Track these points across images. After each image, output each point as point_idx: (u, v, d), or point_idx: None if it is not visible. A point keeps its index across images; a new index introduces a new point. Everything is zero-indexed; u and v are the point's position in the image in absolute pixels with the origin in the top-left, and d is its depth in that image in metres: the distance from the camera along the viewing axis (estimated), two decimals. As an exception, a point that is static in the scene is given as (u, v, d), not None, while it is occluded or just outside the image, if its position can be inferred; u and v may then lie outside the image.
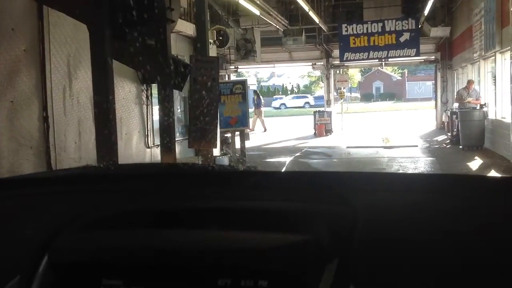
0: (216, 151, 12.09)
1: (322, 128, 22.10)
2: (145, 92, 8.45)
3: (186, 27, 9.91)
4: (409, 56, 21.29)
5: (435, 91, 24.57)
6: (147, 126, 8.58)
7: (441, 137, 19.19)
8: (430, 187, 1.15)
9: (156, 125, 10.67)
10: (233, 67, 24.17)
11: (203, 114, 6.53)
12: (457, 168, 11.78)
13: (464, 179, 1.32)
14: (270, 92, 71.33)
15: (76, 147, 6.67)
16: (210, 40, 11.08)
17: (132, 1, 4.74)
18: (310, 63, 25.05)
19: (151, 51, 5.37)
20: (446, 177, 1.52)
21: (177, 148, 10.02)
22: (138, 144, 8.68)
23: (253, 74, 76.64)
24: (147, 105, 8.46)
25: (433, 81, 51.60)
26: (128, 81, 8.20)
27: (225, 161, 12.07)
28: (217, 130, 6.90)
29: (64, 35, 6.32)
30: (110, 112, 4.40)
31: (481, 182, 1.25)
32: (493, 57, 14.28)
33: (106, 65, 4.38)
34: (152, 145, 9.35)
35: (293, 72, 77.01)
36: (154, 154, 9.38)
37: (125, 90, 8.18)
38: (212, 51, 11.48)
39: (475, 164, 12.44)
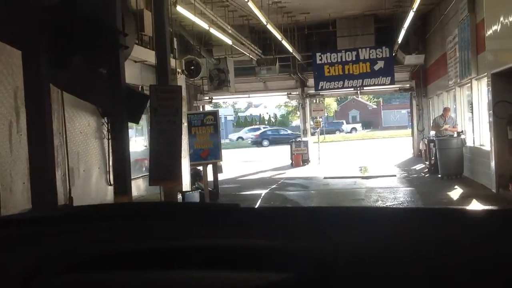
0: (187, 186, 11.51)
1: (299, 158, 21.72)
2: (106, 125, 7.89)
3: (151, 56, 9.42)
4: (384, 84, 21.13)
5: (411, 119, 24.42)
6: (109, 162, 7.99)
7: (419, 166, 18.89)
8: (411, 221, 1.17)
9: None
10: (207, 97, 23.78)
11: (165, 148, 6.00)
12: (437, 198, 11.38)
13: (447, 212, 1.33)
14: (247, 123, 71.21)
15: (24, 188, 6.07)
16: (178, 70, 10.61)
17: (76, 24, 4.25)
18: (285, 93, 24.77)
19: (103, 80, 4.87)
20: (425, 211, 1.49)
21: (143, 185, 9.45)
22: (99, 181, 8.08)
23: (230, 104, 76.78)
24: (108, 139, 7.88)
25: (408, 109, 52.27)
26: (86, 114, 7.65)
27: (196, 196, 11.48)
28: (180, 165, 6.36)
29: (10, 65, 5.77)
30: (46, 147, 3.85)
31: (463, 214, 1.28)
32: (469, 84, 14.08)
33: (42, 96, 3.84)
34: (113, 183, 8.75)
35: (270, 102, 77.24)
36: (117, 191, 8.78)
37: (82, 124, 7.61)
38: (181, 81, 11.00)
39: (455, 193, 12.06)
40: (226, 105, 76.06)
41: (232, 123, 71.63)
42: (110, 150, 8.22)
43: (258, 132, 48.50)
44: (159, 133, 5.96)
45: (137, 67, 9.20)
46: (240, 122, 72.56)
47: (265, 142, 44.07)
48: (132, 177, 10.01)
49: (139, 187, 9.36)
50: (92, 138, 7.91)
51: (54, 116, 6.81)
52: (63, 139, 7.03)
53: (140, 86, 8.96)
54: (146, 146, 10.64)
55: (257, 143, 44.39)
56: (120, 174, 5.05)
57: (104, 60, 4.82)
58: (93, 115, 7.85)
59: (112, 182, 8.48)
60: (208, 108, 24.59)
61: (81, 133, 7.46)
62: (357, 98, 62.59)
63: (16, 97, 5.86)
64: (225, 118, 68.82)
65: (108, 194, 8.19)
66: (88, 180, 7.86)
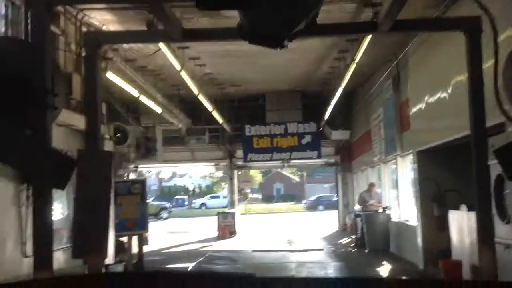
0: (110, 259, 10.80)
1: (226, 230, 21.31)
2: (26, 192, 7.29)
3: (80, 121, 9.00)
4: (311, 158, 21.45)
5: (336, 193, 24.77)
6: (25, 232, 7.33)
7: (345, 240, 18.97)
8: None
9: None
10: (132, 166, 23.12)
11: (91, 219, 5.55)
12: (367, 275, 11.29)
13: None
14: (171, 192, 70.04)
15: None
16: (106, 136, 10.20)
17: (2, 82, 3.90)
18: (213, 163, 24.58)
19: (27, 142, 4.46)
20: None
21: (62, 257, 8.72)
22: (13, 252, 7.35)
23: (154, 174, 75.45)
24: (27, 207, 7.26)
25: (331, 184, 53.38)
26: (3, 178, 7.04)
27: (119, 269, 10.79)
28: (107, 236, 5.90)
29: None
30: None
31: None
32: (394, 161, 14.49)
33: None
34: (31, 254, 8.00)
35: (196, 173, 76.62)
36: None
37: (-1, 188, 6.97)
38: (109, 148, 10.55)
39: (384, 269, 12.06)
40: (150, 174, 74.81)
41: (156, 193, 70.16)
42: (28, 219, 7.58)
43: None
44: (86, 203, 5.52)
45: (61, 131, 8.71)
46: (164, 192, 71.22)
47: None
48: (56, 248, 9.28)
49: (58, 259, 8.62)
50: (7, 205, 7.25)
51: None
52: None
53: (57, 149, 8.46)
54: (63, 214, 9.97)
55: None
56: (41, 246, 4.56)
57: (31, 121, 4.44)
58: (11, 180, 7.23)
59: (28, 254, 7.77)
60: (132, 177, 23.87)
61: (-4, 199, 6.81)
62: (281, 171, 63.66)
63: None
64: (149, 187, 67.46)
65: (23, 267, 7.44)
66: (1, 251, 7.13)
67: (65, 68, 8.73)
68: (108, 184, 5.74)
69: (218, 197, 57.50)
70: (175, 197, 63.42)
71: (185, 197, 62.31)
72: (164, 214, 40.39)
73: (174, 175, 79.31)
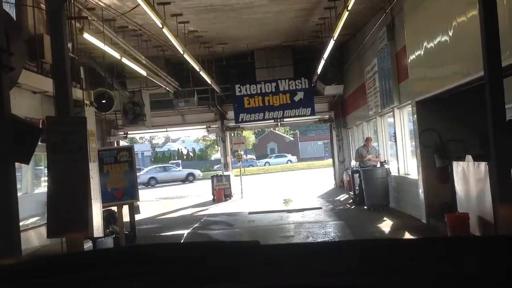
0: (99, 232, 10.31)
1: (221, 193, 20.87)
2: None
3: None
4: (305, 115, 20.92)
5: (331, 150, 24.34)
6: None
7: (342, 197, 18.60)
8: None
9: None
10: (122, 132, 22.51)
11: (67, 192, 4.99)
12: (368, 232, 10.89)
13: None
14: (165, 158, 69.65)
15: None
16: (86, 102, 9.56)
17: None
18: (204, 126, 23.98)
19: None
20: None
21: (38, 234, 8.19)
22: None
23: (147, 139, 74.88)
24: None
25: (325, 141, 53.08)
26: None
27: (109, 242, 10.30)
28: (87, 211, 5.34)
29: None
30: None
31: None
32: (391, 113, 13.95)
33: None
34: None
35: (188, 137, 76.17)
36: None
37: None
38: (90, 115, 9.90)
39: (385, 225, 11.66)
40: (143, 140, 74.18)
41: (150, 158, 69.69)
42: None
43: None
44: (59, 174, 4.95)
45: (36, 99, 8.07)
46: (158, 158, 70.82)
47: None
48: (35, 225, 8.73)
49: (41, 236, 8.10)
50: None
51: None
52: None
53: (40, 120, 7.83)
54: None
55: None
56: (4, 228, 4.01)
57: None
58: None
59: None
60: (123, 144, 23.30)
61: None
62: (274, 131, 63.19)
63: None
64: (142, 154, 66.88)
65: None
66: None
67: (35, 29, 8.00)
68: (83, 153, 5.15)
69: (285, 156, 60.50)
70: (169, 162, 63.08)
71: (179, 161, 61.90)
72: (190, 178, 40.44)
73: (167, 140, 78.83)
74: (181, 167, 48.49)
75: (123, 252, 1.62)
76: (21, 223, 8.44)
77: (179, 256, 1.29)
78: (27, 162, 4.86)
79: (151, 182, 39.15)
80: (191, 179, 39.98)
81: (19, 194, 9.26)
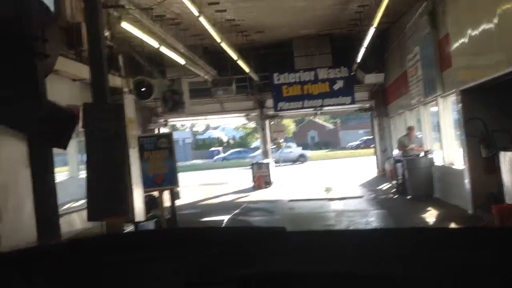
0: (141, 216, 10.47)
1: (261, 180, 20.91)
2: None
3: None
4: (344, 104, 20.65)
5: (373, 139, 23.96)
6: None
7: (385, 186, 18.29)
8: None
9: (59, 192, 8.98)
10: (162, 120, 22.73)
11: (106, 178, 5.03)
12: (412, 222, 10.65)
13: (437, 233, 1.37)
14: (206, 145, 70.28)
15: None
16: (125, 89, 9.64)
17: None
18: (244, 114, 23.96)
19: (18, 96, 3.88)
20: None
21: (81, 218, 8.31)
22: (32, 218, 6.95)
23: (188, 127, 75.67)
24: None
25: (366, 130, 52.34)
26: (13, 139, 6.54)
27: (151, 226, 10.46)
28: (126, 196, 5.38)
29: None
30: None
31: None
32: (434, 102, 13.59)
33: None
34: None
35: (228, 124, 76.55)
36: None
37: (12, 150, 6.47)
38: (129, 102, 9.99)
39: (430, 216, 11.37)
40: (184, 127, 74.98)
41: (191, 145, 70.42)
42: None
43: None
44: (97, 160, 4.98)
45: (76, 86, 8.18)
46: (199, 145, 71.48)
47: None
48: (79, 208, 8.85)
49: (84, 219, 8.23)
50: (21, 167, 6.79)
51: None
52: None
53: (80, 107, 7.92)
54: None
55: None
56: (43, 212, 4.05)
57: (19, 72, 3.84)
58: (22, 140, 6.74)
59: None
60: (164, 131, 23.54)
61: (7, 159, 6.33)
62: (314, 119, 62.78)
63: None
64: (183, 141, 67.60)
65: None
66: (19, 217, 6.73)
67: (73, 18, 8.09)
68: (120, 140, 5.17)
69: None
70: (210, 149, 63.53)
71: (220, 148, 62.27)
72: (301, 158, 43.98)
73: (207, 128, 79.46)
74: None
75: (159, 234, 1.64)
76: (65, 206, 8.64)
77: (210, 240, 1.31)
78: (65, 148, 4.91)
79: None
80: (302, 160, 43.31)
81: (64, 177, 9.50)
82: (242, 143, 68.42)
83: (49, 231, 4.02)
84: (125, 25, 10.02)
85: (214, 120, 36.89)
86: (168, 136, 12.24)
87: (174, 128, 68.98)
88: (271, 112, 22.42)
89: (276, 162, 37.71)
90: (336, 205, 14.20)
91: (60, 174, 9.82)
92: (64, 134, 4.37)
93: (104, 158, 5.06)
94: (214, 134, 77.23)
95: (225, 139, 73.87)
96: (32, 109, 3.87)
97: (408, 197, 13.88)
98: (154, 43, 12.27)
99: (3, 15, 3.64)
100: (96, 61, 5.38)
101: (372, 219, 11.45)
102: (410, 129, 15.56)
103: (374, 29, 13.18)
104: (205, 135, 76.77)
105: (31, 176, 4.08)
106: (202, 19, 10.90)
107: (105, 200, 5.15)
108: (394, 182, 16.37)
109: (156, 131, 21.69)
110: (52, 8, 8.72)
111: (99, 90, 5.38)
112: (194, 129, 78.77)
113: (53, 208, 4.11)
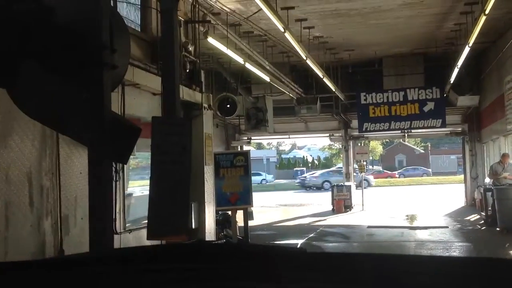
0: (211, 235, 10.35)
1: (341, 203, 20.30)
2: (114, 166, 6.86)
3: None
4: (434, 127, 19.66)
5: (464, 165, 22.68)
6: (115, 208, 6.93)
7: (473, 217, 17.16)
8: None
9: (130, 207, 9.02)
10: (245, 137, 22.83)
11: (168, 195, 4.91)
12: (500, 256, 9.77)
13: None
14: (290, 164, 70.15)
15: (1, 239, 5.12)
16: (204, 105, 9.64)
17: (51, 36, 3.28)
18: (328, 134, 23.54)
19: (82, 107, 3.85)
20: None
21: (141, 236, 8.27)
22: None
23: (274, 146, 75.98)
24: (115, 181, 6.84)
25: (458, 155, 49.93)
26: (85, 151, 6.64)
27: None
28: (187, 215, 5.24)
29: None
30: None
31: None
32: (533, 128, 12.57)
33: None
34: (122, 230, 7.65)
35: (314, 144, 76.03)
36: (125, 241, 7.65)
37: (82, 163, 6.59)
38: (208, 118, 9.99)
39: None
40: (270, 146, 75.33)
41: (275, 164, 70.58)
42: (117, 195, 7.20)
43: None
44: (161, 175, 4.88)
45: (156, 100, 8.24)
46: (283, 164, 71.48)
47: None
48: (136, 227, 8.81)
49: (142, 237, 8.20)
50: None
51: (46, 153, 5.86)
52: (56, 180, 6.03)
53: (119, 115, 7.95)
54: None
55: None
56: (97, 227, 3.98)
57: (86, 82, 3.81)
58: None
59: (118, 231, 7.43)
60: (247, 149, 23.61)
61: (80, 173, 6.43)
62: (403, 142, 60.77)
63: None
64: (268, 159, 67.85)
65: (114, 244, 7.09)
66: (87, 229, 6.80)
67: (157, 33, 8.19)
68: (186, 155, 5.05)
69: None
70: (294, 169, 63.28)
71: (304, 169, 61.86)
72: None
73: (293, 147, 79.32)
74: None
75: (183, 247, 1.66)
76: (134, 223, 8.67)
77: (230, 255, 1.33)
78: (125, 162, 4.85)
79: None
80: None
81: (137, 194, 9.56)
82: (326, 164, 67.63)
83: (100, 245, 3.93)
84: (211, 40, 10.06)
85: (300, 139, 36.68)
86: (245, 154, 12.09)
87: (260, 146, 69.31)
88: (355, 133, 21.85)
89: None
90: (418, 235, 13.44)
91: (140, 188, 9.91)
92: (125, 147, 4.31)
93: (168, 173, 4.96)
94: (300, 153, 76.96)
95: (310, 159, 73.40)
96: (94, 120, 3.82)
97: (497, 229, 12.86)
98: (239, 59, 12.27)
99: (72, 23, 3.64)
100: (168, 75, 5.32)
101: (454, 253, 10.65)
102: (504, 156, 14.53)
103: (469, 48, 12.43)
104: (290, 155, 76.70)
105: (88, 187, 4.02)
106: (287, 35, 10.74)
107: (166, 218, 5.02)
108: (483, 213, 15.28)
109: (239, 149, 21.79)
110: (138, 21, 8.93)
111: (169, 104, 5.31)
112: (280, 148, 78.97)
113: (108, 224, 4.03)
